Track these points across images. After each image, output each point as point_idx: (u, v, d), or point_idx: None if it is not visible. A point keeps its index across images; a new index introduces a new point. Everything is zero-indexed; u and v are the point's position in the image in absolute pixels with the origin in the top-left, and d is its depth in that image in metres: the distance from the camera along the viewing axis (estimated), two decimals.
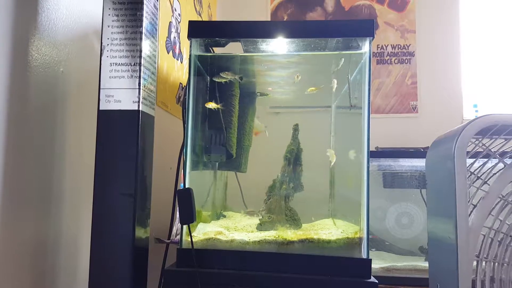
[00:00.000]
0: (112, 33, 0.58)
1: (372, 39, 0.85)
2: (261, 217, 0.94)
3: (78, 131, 0.74)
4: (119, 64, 0.57)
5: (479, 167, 0.74)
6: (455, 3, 1.87)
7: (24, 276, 0.63)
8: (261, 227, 0.91)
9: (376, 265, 1.22)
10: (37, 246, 0.65)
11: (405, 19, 1.89)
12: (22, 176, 0.61)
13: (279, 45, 0.92)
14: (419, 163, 1.42)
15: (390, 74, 1.88)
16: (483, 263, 0.68)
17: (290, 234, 0.84)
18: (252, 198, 1.12)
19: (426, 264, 1.19)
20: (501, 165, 0.72)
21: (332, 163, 0.99)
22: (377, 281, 0.73)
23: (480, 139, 0.74)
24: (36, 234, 0.65)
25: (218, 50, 0.96)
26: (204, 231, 0.85)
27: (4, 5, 0.56)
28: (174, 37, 1.25)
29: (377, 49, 1.89)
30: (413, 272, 1.21)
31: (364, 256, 0.77)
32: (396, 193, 1.49)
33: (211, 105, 0.89)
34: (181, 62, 1.32)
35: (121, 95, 0.56)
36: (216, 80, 0.92)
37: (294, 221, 0.95)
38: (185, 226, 0.78)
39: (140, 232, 0.61)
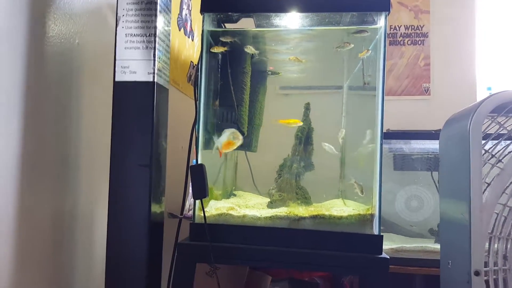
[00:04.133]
0: (127, 3, 0.58)
1: (388, 14, 0.83)
2: (272, 196, 0.95)
3: (93, 102, 0.74)
4: (134, 35, 0.57)
5: (493, 146, 0.73)
6: None
7: (44, 247, 0.65)
8: (271, 205, 0.92)
9: (385, 246, 1.22)
10: (55, 217, 0.66)
11: None
12: (40, 147, 0.62)
13: (292, 20, 0.90)
14: (430, 145, 1.41)
15: (403, 56, 1.84)
16: (496, 242, 0.68)
17: (301, 210, 0.84)
18: (263, 179, 1.12)
19: (435, 246, 1.20)
20: None
21: (341, 142, 0.98)
22: (388, 257, 0.74)
23: (495, 117, 0.73)
24: (55, 206, 0.66)
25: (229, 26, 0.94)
26: (216, 207, 0.86)
27: None
28: (186, 14, 1.24)
29: (390, 30, 1.85)
30: (422, 254, 1.22)
31: (376, 232, 0.77)
32: (406, 176, 1.48)
33: (217, 49, 0.87)
34: (192, 40, 1.31)
35: (136, 66, 0.56)
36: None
37: (304, 199, 0.96)
38: (197, 201, 0.79)
39: (155, 207, 0.62)
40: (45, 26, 0.61)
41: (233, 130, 0.87)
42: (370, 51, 0.89)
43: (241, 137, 0.86)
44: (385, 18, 0.83)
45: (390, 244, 1.24)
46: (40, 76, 0.61)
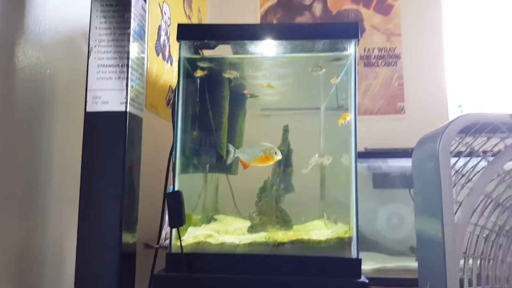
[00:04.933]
0: (99, 34, 0.58)
1: (358, 41, 0.86)
2: (253, 219, 0.94)
3: (64, 132, 0.73)
4: (106, 66, 0.57)
5: (463, 165, 0.75)
6: (438, 7, 1.92)
7: (8, 281, 0.62)
8: (252, 229, 0.91)
9: (367, 266, 1.22)
10: (21, 251, 0.64)
11: (390, 23, 1.93)
12: (7, 178, 0.60)
13: (267, 47, 0.92)
14: (407, 163, 1.44)
15: (377, 76, 1.91)
16: (470, 260, 0.69)
17: (280, 235, 0.84)
18: (244, 201, 1.12)
19: (416, 265, 1.21)
20: (484, 163, 0.73)
21: (323, 164, 1.00)
22: (367, 281, 0.74)
23: (463, 137, 0.75)
24: (21, 238, 0.63)
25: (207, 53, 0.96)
26: (194, 235, 0.84)
27: None
28: (164, 40, 1.25)
29: (364, 52, 1.92)
30: (404, 273, 1.22)
31: (354, 256, 0.77)
32: (386, 193, 1.50)
33: (200, 73, 0.89)
34: (171, 65, 1.32)
35: (108, 96, 0.56)
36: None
37: (285, 222, 0.95)
38: (174, 230, 0.78)
39: (127, 237, 0.60)
40: (14, 56, 0.60)
41: (271, 145, 0.87)
42: (339, 77, 0.92)
43: (280, 153, 0.86)
44: (355, 45, 0.86)
45: (372, 264, 1.24)
46: (8, 107, 0.59)
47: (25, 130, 0.63)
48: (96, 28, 0.59)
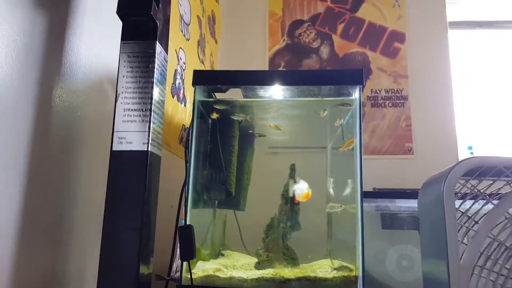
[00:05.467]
0: (126, 82, 0.65)
1: (363, 88, 0.92)
2: (259, 256, 0.96)
3: (91, 170, 0.79)
4: (131, 110, 0.64)
5: (468, 208, 0.77)
6: (445, 48, 1.98)
7: None
8: (259, 265, 0.93)
9: None
10: (46, 279, 0.68)
11: (397, 65, 2.00)
12: (38, 209, 0.65)
13: (275, 92, 0.99)
14: (415, 204, 1.44)
15: (385, 117, 1.95)
16: None
17: (287, 272, 0.85)
18: (251, 237, 1.14)
19: None
20: (490, 205, 0.75)
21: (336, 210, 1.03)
22: None
23: (467, 180, 0.77)
24: (46, 267, 0.68)
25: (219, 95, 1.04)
26: (203, 268, 0.87)
27: (35, 57, 0.64)
28: (179, 83, 1.35)
29: (371, 93, 1.98)
30: None
31: None
32: (395, 234, 1.49)
33: (215, 115, 0.96)
34: (185, 106, 1.40)
35: (132, 137, 0.62)
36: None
37: (292, 260, 0.97)
38: (185, 263, 0.80)
39: (144, 268, 0.64)
40: (51, 100, 0.68)
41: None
42: (342, 120, 0.97)
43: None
44: (360, 90, 0.93)
45: None
46: (45, 145, 0.66)
47: (56, 167, 0.70)
48: (123, 76, 0.67)
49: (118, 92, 0.65)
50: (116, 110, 0.64)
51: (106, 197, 0.61)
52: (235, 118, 1.00)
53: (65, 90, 0.71)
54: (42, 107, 0.65)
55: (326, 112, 0.97)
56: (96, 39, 0.82)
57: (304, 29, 2.07)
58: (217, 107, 0.99)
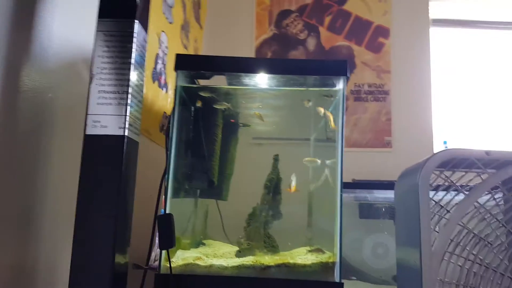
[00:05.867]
0: (102, 62, 0.62)
1: (347, 79, 0.92)
2: (241, 245, 0.95)
3: (62, 154, 0.75)
4: (107, 92, 0.61)
5: (442, 198, 0.79)
6: (427, 46, 2.02)
7: None
8: (240, 254, 0.93)
9: None
10: (14, 271, 0.64)
11: (381, 60, 2.02)
12: (4, 197, 0.62)
13: (261, 80, 0.98)
14: (392, 195, 1.48)
15: (366, 111, 1.98)
16: (446, 287, 0.72)
17: (267, 259, 0.85)
18: (233, 227, 1.13)
19: None
20: (461, 196, 0.77)
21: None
22: None
23: (441, 171, 0.80)
24: (14, 259, 0.64)
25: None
26: (183, 257, 0.85)
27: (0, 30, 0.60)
28: (160, 68, 1.31)
29: (355, 87, 2.00)
30: None
31: (337, 280, 0.79)
32: (372, 224, 1.53)
33: (199, 103, 0.94)
34: (166, 92, 1.37)
35: (107, 121, 0.59)
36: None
37: (272, 247, 0.97)
38: (164, 252, 0.79)
39: (120, 258, 0.62)
40: (19, 80, 0.64)
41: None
42: (323, 109, 0.98)
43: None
44: (344, 82, 0.92)
45: None
46: (12, 128, 0.62)
47: (24, 151, 0.66)
48: (99, 56, 0.64)
49: (93, 72, 0.62)
50: (90, 92, 0.61)
51: (79, 184, 0.58)
52: (217, 107, 0.98)
53: (34, 69, 0.67)
54: (7, 87, 0.61)
55: (310, 103, 0.96)
56: (71, 15, 0.78)
57: (292, 19, 2.05)
58: (201, 93, 0.97)
